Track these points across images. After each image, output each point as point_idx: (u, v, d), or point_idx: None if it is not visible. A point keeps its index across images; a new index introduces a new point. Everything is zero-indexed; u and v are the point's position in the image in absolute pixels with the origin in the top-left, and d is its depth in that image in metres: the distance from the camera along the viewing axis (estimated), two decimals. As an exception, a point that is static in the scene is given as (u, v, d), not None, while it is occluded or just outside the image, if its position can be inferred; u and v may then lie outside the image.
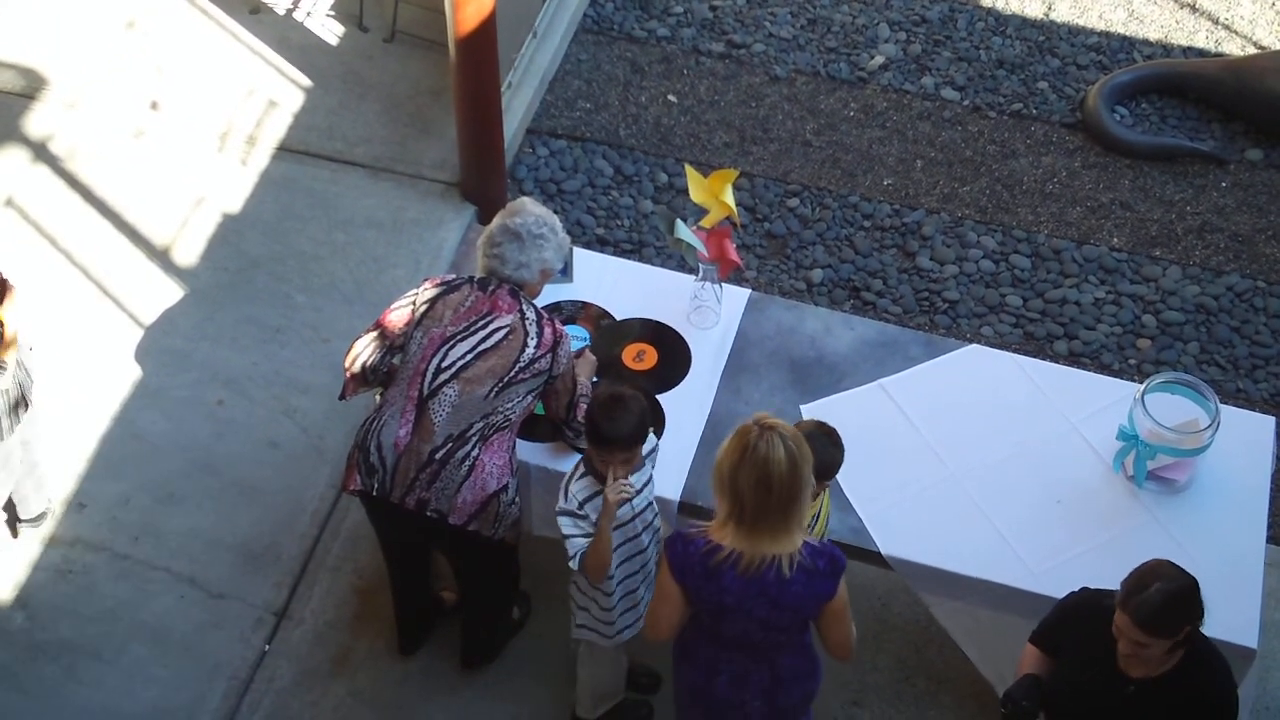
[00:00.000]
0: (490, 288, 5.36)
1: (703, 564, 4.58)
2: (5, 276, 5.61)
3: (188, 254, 7.17)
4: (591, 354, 5.84)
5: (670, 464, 5.55)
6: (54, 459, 6.35)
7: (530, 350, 5.27)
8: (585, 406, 5.40)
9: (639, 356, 5.95)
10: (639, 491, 5.18)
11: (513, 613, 5.98)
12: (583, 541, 5.16)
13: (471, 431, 5.25)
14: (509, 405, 5.29)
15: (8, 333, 5.55)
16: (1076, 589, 4.95)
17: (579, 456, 5.28)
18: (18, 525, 6.21)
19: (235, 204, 7.37)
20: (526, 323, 5.31)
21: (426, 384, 5.27)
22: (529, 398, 5.35)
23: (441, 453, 5.24)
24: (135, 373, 6.75)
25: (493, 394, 5.25)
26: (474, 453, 5.25)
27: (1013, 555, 5.46)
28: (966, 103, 8.19)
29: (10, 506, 6.15)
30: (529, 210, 5.46)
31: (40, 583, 6.15)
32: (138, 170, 7.47)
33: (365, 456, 5.35)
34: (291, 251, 7.21)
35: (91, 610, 6.08)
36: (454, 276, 5.46)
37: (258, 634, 6.08)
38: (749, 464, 4.41)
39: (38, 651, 5.98)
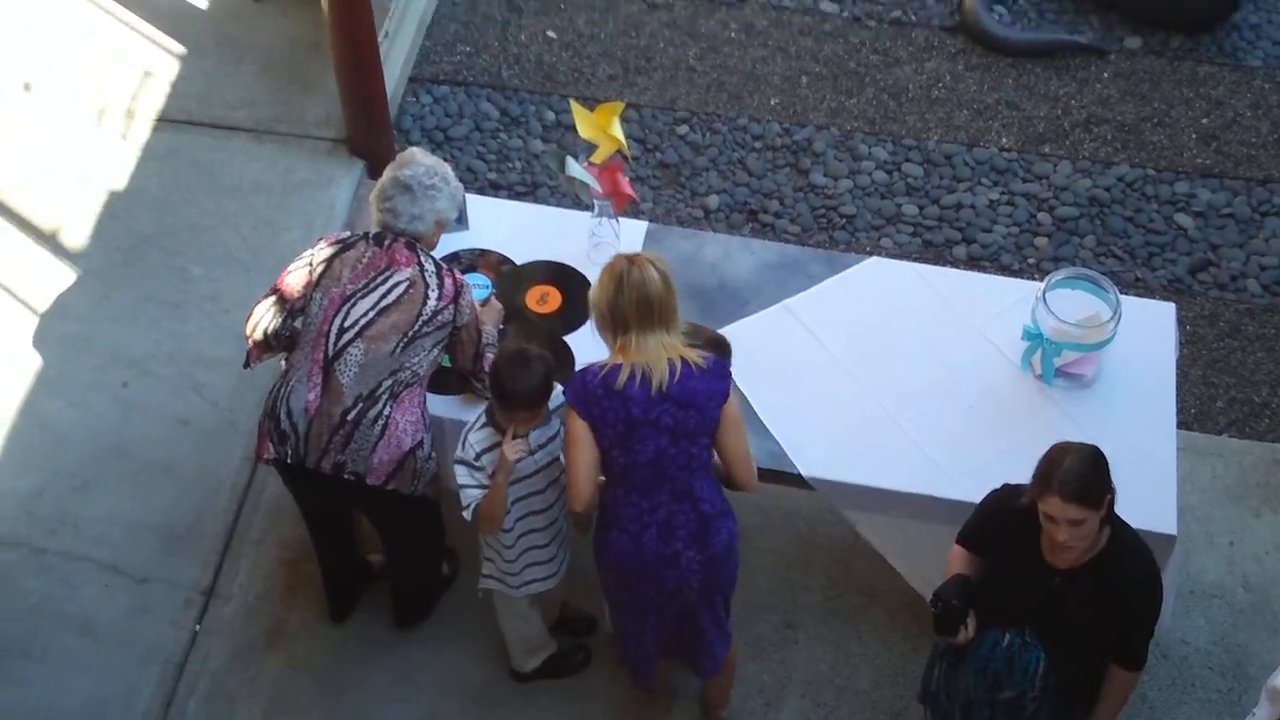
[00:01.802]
0: (386, 242, 5.31)
1: (604, 385, 4.88)
2: None
3: (76, 236, 7.05)
4: (497, 301, 5.81)
5: (582, 405, 5.55)
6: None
7: (432, 303, 5.24)
8: (492, 356, 5.38)
9: (542, 299, 5.93)
10: (543, 447, 5.19)
11: (441, 569, 5.97)
12: (477, 493, 5.17)
13: (381, 390, 5.22)
14: (416, 360, 5.26)
15: None
16: (997, 487, 5.01)
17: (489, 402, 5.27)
18: None
19: (120, 180, 7.25)
20: (426, 275, 5.27)
21: (331, 345, 5.23)
22: (435, 350, 5.32)
23: (353, 413, 5.20)
24: (35, 362, 6.65)
25: (398, 350, 5.22)
26: (385, 411, 5.22)
27: (930, 464, 5.51)
28: (846, 14, 8.18)
29: None
30: (419, 161, 5.41)
31: (-41, 587, 6.08)
32: (16, 154, 7.32)
33: (276, 424, 5.30)
34: (182, 224, 7.10)
35: (14, 609, 6.00)
36: (349, 234, 5.41)
37: (187, 615, 6.03)
38: (626, 290, 4.85)
39: (-37, 657, 5.92)
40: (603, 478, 5.04)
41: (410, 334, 5.21)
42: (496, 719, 5.83)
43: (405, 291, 5.23)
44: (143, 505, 6.27)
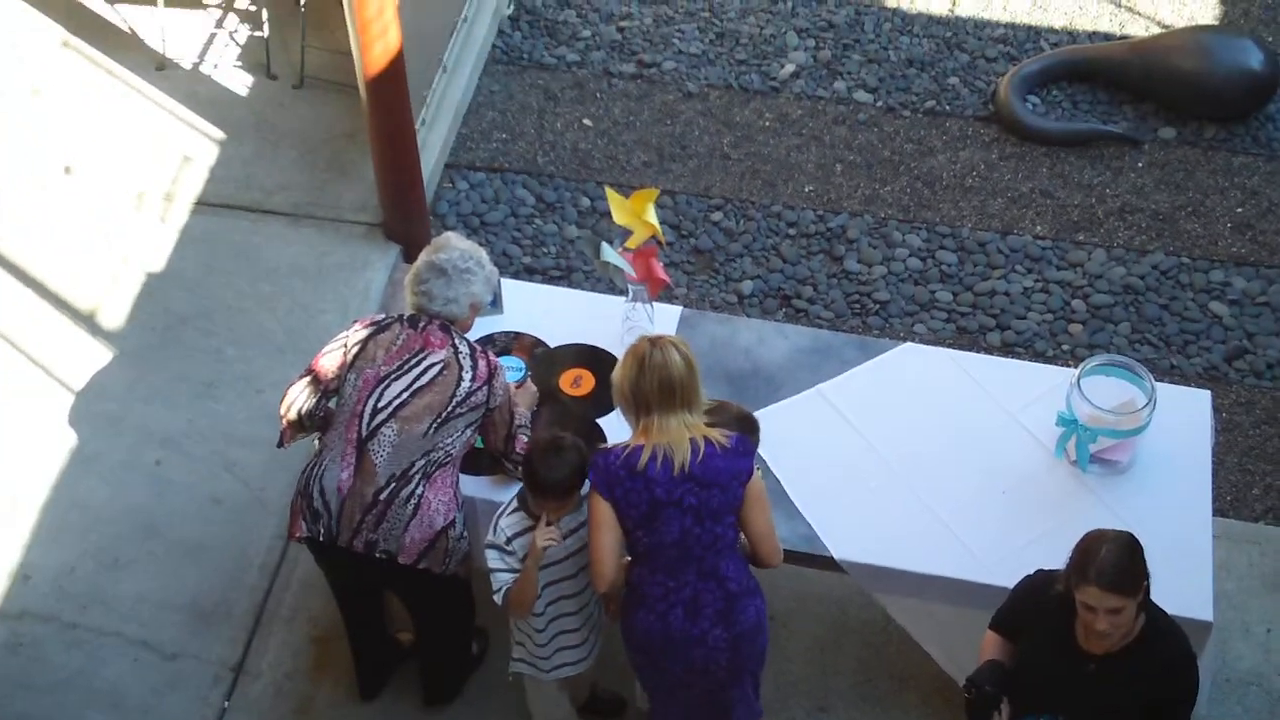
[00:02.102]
0: (421, 325, 5.34)
1: (626, 466, 4.88)
2: None
3: (114, 316, 7.11)
4: (533, 384, 5.82)
5: (615, 488, 5.55)
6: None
7: (466, 384, 5.25)
8: (524, 438, 5.39)
9: (576, 382, 5.94)
10: (573, 532, 5.18)
11: (471, 648, 5.95)
12: (507, 577, 5.16)
13: (414, 470, 5.23)
14: (449, 441, 5.27)
15: None
16: (1031, 573, 4.98)
17: (521, 487, 5.27)
18: None
19: (158, 262, 7.31)
20: (460, 357, 5.29)
21: (364, 425, 5.24)
22: (468, 432, 5.33)
23: (385, 493, 5.21)
24: (71, 439, 6.68)
25: (431, 430, 5.23)
26: (418, 491, 5.22)
27: (963, 549, 5.47)
28: (880, 104, 8.24)
29: None
30: (454, 245, 5.44)
31: (-10, 660, 6.08)
32: (57, 236, 7.40)
33: (309, 502, 5.31)
34: (218, 305, 7.15)
35: (45, 682, 6.00)
36: (384, 316, 5.44)
37: (216, 692, 6.01)
38: (649, 372, 4.87)
39: (-8, 730, 5.92)
40: (628, 558, 5.03)
41: (444, 415, 5.23)
42: (525, 802, 5.80)
43: (439, 373, 5.25)
44: (173, 582, 6.28)
